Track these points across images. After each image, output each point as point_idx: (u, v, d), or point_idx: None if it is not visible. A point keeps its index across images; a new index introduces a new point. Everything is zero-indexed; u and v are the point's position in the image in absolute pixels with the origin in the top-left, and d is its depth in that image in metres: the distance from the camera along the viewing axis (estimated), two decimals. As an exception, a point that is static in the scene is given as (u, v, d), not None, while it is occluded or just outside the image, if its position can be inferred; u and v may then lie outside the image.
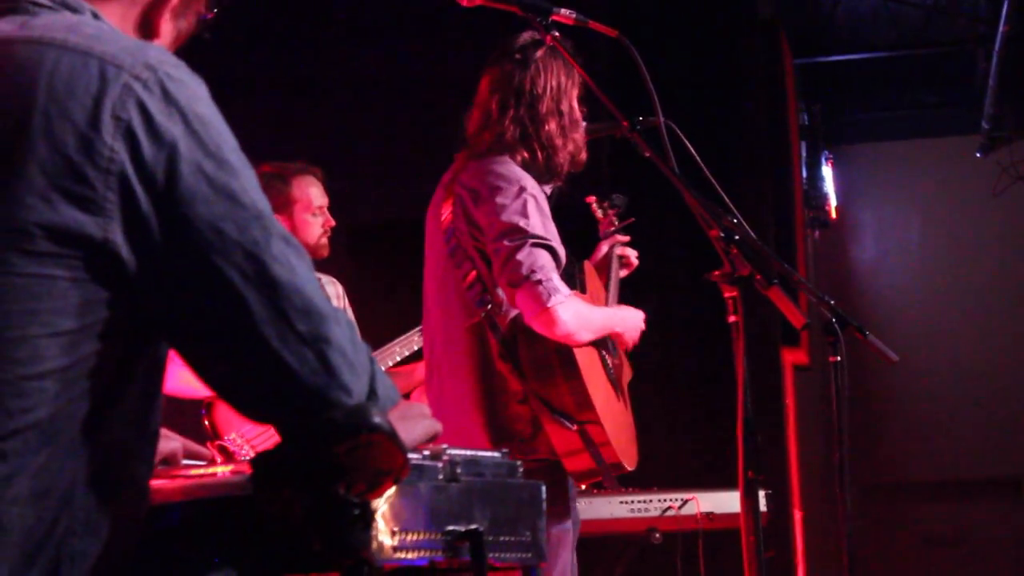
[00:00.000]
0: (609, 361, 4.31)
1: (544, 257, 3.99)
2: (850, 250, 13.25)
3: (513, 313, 4.05)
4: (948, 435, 12.41)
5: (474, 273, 4.08)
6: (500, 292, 4.04)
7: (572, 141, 4.24)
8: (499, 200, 4.05)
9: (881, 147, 13.15)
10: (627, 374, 4.56)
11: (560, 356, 4.00)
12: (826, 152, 12.01)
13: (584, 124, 4.35)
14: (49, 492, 1.84)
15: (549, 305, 3.92)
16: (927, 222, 13.04)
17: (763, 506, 3.54)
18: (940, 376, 12.34)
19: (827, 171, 12.03)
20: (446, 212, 4.18)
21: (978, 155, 11.63)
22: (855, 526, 3.57)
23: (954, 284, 12.73)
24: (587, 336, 4.05)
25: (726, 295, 3.60)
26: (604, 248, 4.87)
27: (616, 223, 4.95)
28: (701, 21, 8.56)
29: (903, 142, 13.06)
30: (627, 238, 4.95)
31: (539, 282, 3.94)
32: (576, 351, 4.03)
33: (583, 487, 5.62)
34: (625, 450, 4.11)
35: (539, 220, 4.03)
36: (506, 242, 3.99)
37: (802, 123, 11.26)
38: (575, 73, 4.23)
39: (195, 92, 1.90)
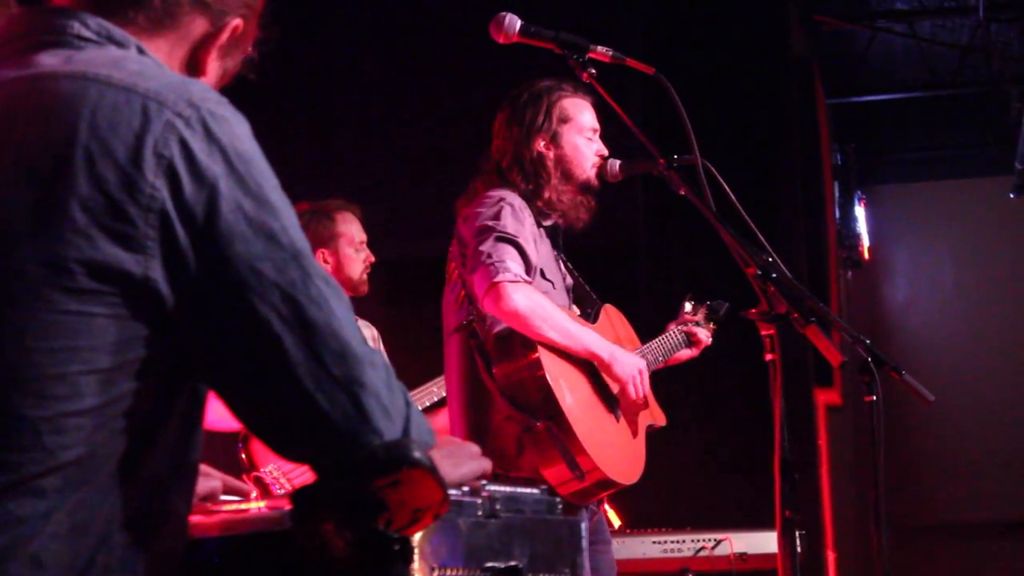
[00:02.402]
0: (609, 387, 4.32)
1: (505, 248, 4.10)
2: (883, 290, 13.19)
3: (497, 327, 4.13)
4: (983, 476, 12.32)
5: (463, 292, 4.18)
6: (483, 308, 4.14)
7: (541, 188, 4.38)
8: (479, 210, 4.22)
9: (914, 187, 13.11)
10: (650, 416, 4.54)
11: (525, 351, 4.07)
12: (859, 192, 11.97)
13: (620, 162, 4.42)
14: (87, 529, 1.83)
15: (496, 280, 4.02)
16: (960, 263, 12.97)
17: (798, 547, 3.52)
18: (974, 416, 12.25)
19: (860, 211, 12.00)
20: (451, 248, 4.37)
21: (1012, 196, 11.59)
22: (889, 568, 3.54)
23: (987, 324, 12.66)
24: (545, 329, 4.07)
25: (763, 333, 3.59)
26: (672, 327, 4.84)
27: (702, 320, 4.91)
28: (735, 60, 8.57)
29: (936, 182, 13.02)
30: (696, 318, 4.91)
31: (491, 264, 4.05)
32: (550, 357, 4.08)
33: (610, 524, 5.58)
34: (611, 462, 4.11)
35: (511, 222, 4.16)
36: (475, 239, 4.14)
37: (835, 163, 11.24)
38: (554, 113, 4.41)
39: (237, 130, 1.90)
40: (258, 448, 5.21)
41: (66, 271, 1.80)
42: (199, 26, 2.07)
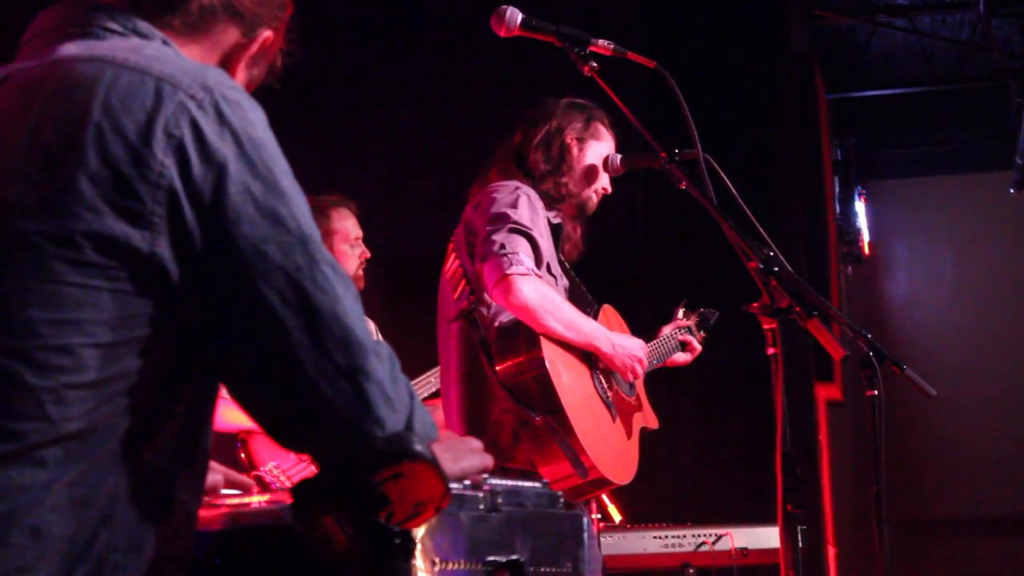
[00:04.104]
0: (608, 388, 4.34)
1: (518, 240, 4.09)
2: (883, 285, 13.19)
3: (500, 318, 4.13)
4: (983, 470, 12.32)
5: (464, 280, 4.17)
6: (487, 296, 4.12)
7: (559, 172, 4.41)
8: (495, 196, 4.22)
9: (914, 182, 13.10)
10: (643, 417, 4.55)
11: (528, 346, 4.06)
12: (859, 187, 11.97)
13: (620, 157, 4.43)
14: (89, 503, 1.84)
15: (508, 272, 4.01)
16: (960, 257, 12.97)
17: (800, 542, 3.51)
18: (974, 411, 12.25)
19: (860, 206, 12.00)
20: (454, 235, 4.36)
21: (1012, 190, 11.59)
22: (890, 563, 3.53)
23: (987, 319, 12.65)
24: (552, 323, 4.07)
25: (765, 327, 3.58)
26: (665, 331, 4.88)
27: (693, 328, 4.97)
28: (736, 55, 8.57)
29: (937, 177, 13.02)
30: (687, 324, 4.95)
31: (504, 255, 4.04)
32: (553, 353, 4.07)
33: (600, 521, 5.59)
34: (606, 461, 4.11)
35: (527, 213, 4.16)
36: (488, 227, 4.13)
37: (835, 158, 11.25)
38: (590, 127, 4.48)
39: (250, 116, 1.92)
40: (257, 447, 5.20)
41: (73, 244, 1.82)
42: (231, 36, 2.12)
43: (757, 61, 8.63)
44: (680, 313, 4.99)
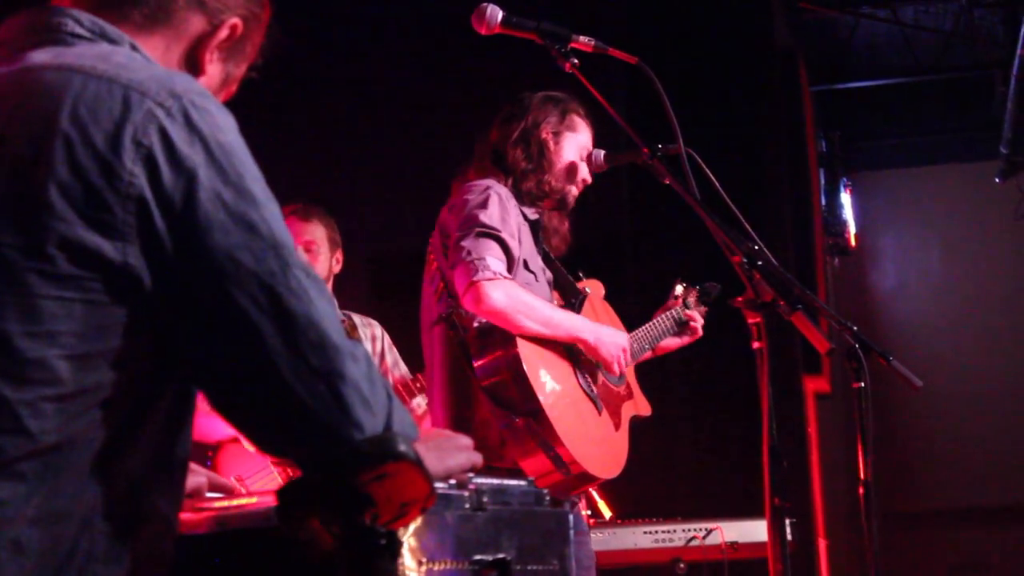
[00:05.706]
0: (593, 382, 4.33)
1: (487, 244, 4.09)
2: (870, 277, 13.21)
3: (479, 321, 4.13)
4: (971, 462, 12.34)
5: (442, 283, 4.17)
6: None
7: (540, 170, 4.40)
8: (466, 198, 4.22)
9: (900, 173, 13.11)
10: (634, 407, 4.54)
11: (504, 346, 4.06)
12: (845, 179, 11.98)
13: (604, 153, 4.43)
14: (67, 516, 1.84)
15: (475, 279, 4.01)
16: (947, 248, 12.99)
17: (788, 535, 3.51)
18: (961, 402, 12.27)
19: (846, 198, 12.01)
20: (431, 238, 4.36)
21: (997, 180, 11.60)
22: (880, 554, 3.53)
23: (975, 310, 12.68)
24: (527, 323, 4.07)
25: (750, 321, 3.58)
26: (659, 315, 4.87)
27: (692, 303, 4.94)
28: (718, 49, 8.57)
29: (922, 168, 13.03)
30: (687, 299, 4.95)
31: (471, 261, 4.04)
32: (530, 352, 4.06)
33: (590, 517, 5.60)
34: (591, 456, 4.11)
35: (497, 213, 4.16)
36: (458, 232, 4.13)
37: (820, 150, 11.25)
38: (565, 120, 4.48)
39: (219, 121, 1.91)
40: (224, 459, 5.22)
41: (45, 256, 1.81)
42: (195, 24, 2.10)
43: (740, 55, 8.63)
44: (678, 289, 4.97)
